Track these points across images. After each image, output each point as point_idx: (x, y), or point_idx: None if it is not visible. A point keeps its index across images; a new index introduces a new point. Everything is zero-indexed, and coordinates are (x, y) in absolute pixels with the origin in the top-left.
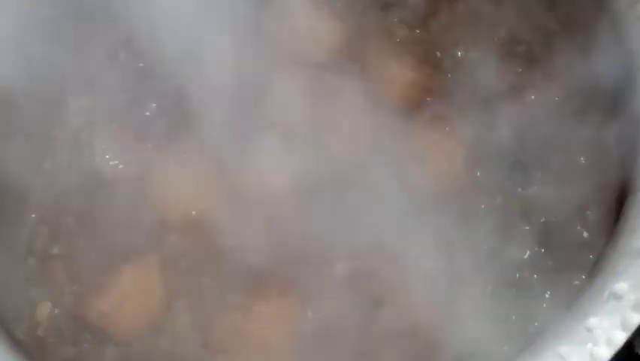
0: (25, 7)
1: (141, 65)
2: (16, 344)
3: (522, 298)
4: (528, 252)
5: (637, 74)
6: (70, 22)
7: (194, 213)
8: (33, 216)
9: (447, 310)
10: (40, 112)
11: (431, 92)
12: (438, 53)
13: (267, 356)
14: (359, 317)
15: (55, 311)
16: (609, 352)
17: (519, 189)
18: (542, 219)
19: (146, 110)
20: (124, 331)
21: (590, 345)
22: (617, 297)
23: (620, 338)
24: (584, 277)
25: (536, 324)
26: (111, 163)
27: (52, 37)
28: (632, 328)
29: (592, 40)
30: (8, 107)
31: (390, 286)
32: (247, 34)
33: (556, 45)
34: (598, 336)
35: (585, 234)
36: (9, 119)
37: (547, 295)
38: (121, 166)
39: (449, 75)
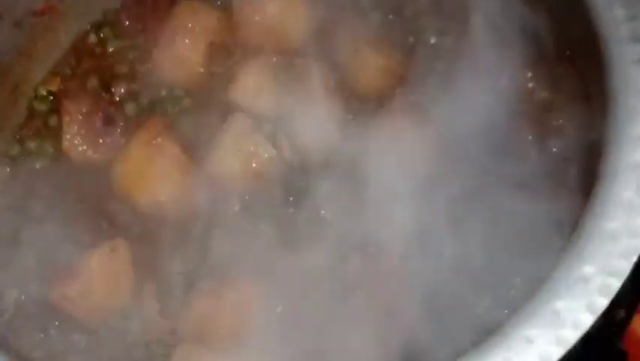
0: None
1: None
2: None
3: (489, 281)
4: (498, 235)
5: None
6: None
7: (162, 198)
8: (0, 200)
9: (419, 292)
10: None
11: (404, 80)
12: (411, 39)
13: (235, 343)
14: (328, 304)
15: (22, 298)
16: (575, 335)
17: (492, 176)
18: (515, 204)
19: (115, 94)
20: (92, 317)
21: (556, 328)
22: (584, 280)
23: (587, 321)
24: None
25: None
26: (80, 148)
27: None
28: (599, 311)
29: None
30: None
31: (364, 273)
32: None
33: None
34: (565, 319)
35: (555, 217)
36: None
37: (515, 279)
38: (90, 151)
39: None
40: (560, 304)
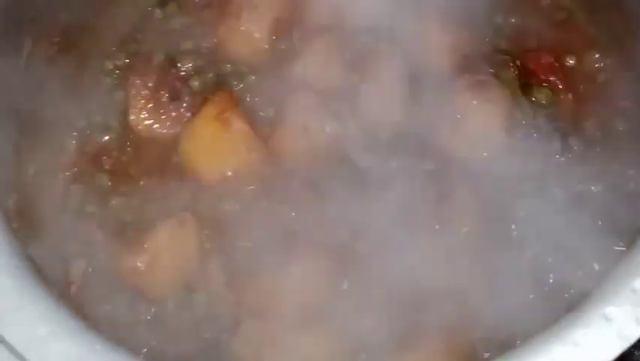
0: None
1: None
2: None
3: (565, 263)
4: (565, 217)
5: None
6: None
7: (229, 173)
8: (67, 173)
9: (485, 277)
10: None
11: (469, 58)
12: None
13: (301, 318)
14: (395, 282)
15: (89, 269)
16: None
17: (557, 156)
18: (580, 187)
19: (181, 69)
20: (159, 290)
21: (636, 307)
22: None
23: None
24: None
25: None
26: (146, 122)
27: None
28: None
29: None
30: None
31: (424, 250)
32: None
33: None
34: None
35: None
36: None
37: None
38: (156, 125)
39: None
40: (638, 283)
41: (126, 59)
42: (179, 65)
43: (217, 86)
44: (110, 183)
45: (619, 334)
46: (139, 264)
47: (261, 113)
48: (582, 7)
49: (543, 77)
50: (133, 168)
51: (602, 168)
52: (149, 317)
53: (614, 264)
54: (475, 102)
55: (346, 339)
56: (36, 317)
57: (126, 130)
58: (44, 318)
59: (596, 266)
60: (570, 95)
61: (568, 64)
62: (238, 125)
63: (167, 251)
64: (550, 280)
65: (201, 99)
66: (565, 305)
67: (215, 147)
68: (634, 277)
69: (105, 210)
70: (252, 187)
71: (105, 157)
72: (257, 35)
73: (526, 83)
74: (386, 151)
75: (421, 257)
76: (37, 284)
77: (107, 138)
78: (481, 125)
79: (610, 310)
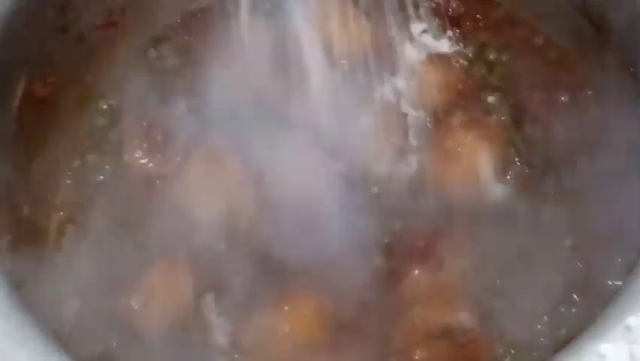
0: None
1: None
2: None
3: (556, 298)
4: (561, 253)
5: None
6: None
7: (222, 211)
8: (61, 213)
9: (480, 308)
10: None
11: (462, 95)
12: (470, 55)
13: (298, 356)
14: (389, 318)
15: (83, 309)
16: None
17: (551, 193)
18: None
19: (175, 109)
20: (152, 329)
21: (630, 343)
22: None
23: None
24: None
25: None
26: (141, 162)
27: None
28: None
29: None
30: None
31: (422, 288)
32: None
33: (589, 48)
34: (638, 335)
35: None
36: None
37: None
38: (150, 165)
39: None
40: (633, 320)
41: (120, 98)
42: (172, 103)
43: (211, 124)
44: (103, 224)
45: None
46: (133, 303)
47: (256, 151)
48: (575, 46)
49: (536, 113)
50: (127, 208)
51: (596, 207)
52: (143, 357)
53: (607, 301)
54: (468, 140)
55: None
56: (28, 359)
57: (120, 169)
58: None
59: (590, 303)
60: (563, 132)
61: (560, 100)
62: (231, 163)
63: (161, 290)
64: (545, 318)
65: (195, 138)
66: (557, 343)
67: (209, 185)
68: (628, 314)
69: (99, 250)
70: (245, 225)
71: (99, 197)
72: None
73: (519, 119)
74: (383, 190)
75: (414, 294)
76: (29, 326)
77: (101, 177)
78: (475, 163)
79: (604, 347)
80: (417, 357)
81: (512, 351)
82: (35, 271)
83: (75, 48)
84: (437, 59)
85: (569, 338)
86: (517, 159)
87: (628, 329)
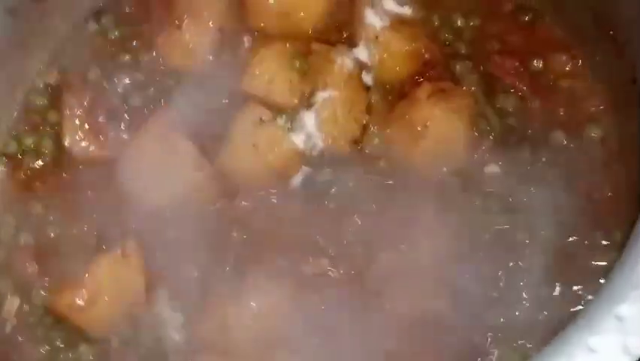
0: None
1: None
2: None
3: (536, 280)
4: (541, 231)
5: None
6: None
7: (174, 197)
8: None
9: (460, 299)
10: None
11: (429, 65)
12: (436, 23)
13: (258, 352)
14: (355, 310)
15: (25, 307)
16: None
17: (527, 167)
18: (551, 200)
19: (118, 85)
20: (101, 327)
21: (622, 335)
22: None
23: None
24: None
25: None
26: (82, 145)
27: None
28: None
29: None
30: None
31: (391, 274)
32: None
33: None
34: (630, 326)
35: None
36: None
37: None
38: (93, 147)
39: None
40: (624, 309)
41: (59, 76)
42: (116, 80)
43: (158, 102)
44: (44, 212)
45: None
46: (78, 300)
47: (207, 130)
48: (548, 8)
49: (508, 82)
50: (70, 195)
51: (573, 177)
52: (91, 357)
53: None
54: (437, 112)
55: None
56: None
57: (61, 154)
58: None
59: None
60: (537, 102)
61: (534, 68)
62: (182, 144)
63: (109, 284)
64: (526, 304)
65: (141, 117)
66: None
67: (159, 169)
68: (618, 303)
69: (40, 241)
70: (199, 210)
71: (39, 183)
72: (199, 46)
73: (490, 89)
74: (344, 166)
75: (389, 279)
76: None
77: (40, 162)
78: (445, 135)
79: (594, 340)
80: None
81: (491, 338)
82: None
83: (5, 23)
84: (401, 25)
85: (552, 326)
86: (489, 133)
87: (619, 319)
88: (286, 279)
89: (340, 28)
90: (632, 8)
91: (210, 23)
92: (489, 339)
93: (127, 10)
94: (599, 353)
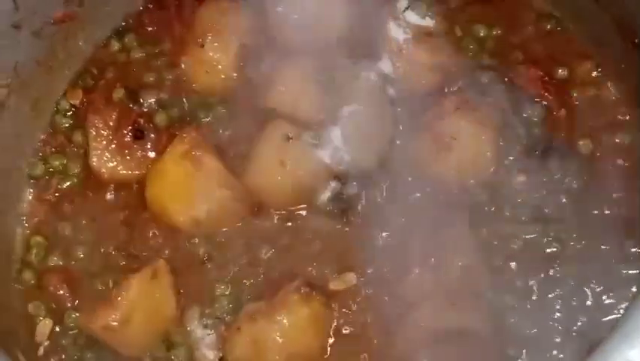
0: None
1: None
2: None
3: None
4: (571, 242)
5: None
6: None
7: (202, 215)
8: (27, 225)
9: (493, 312)
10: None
11: (453, 76)
12: (458, 34)
13: None
14: (387, 323)
15: (57, 329)
16: None
17: (555, 177)
18: (586, 207)
19: (143, 104)
20: (133, 347)
21: None
22: None
23: None
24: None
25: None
26: (109, 165)
27: None
28: None
29: None
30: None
31: (421, 287)
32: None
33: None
34: None
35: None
36: None
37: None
38: (120, 167)
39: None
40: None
41: (83, 96)
42: (141, 100)
43: (183, 120)
44: (73, 233)
45: None
46: (111, 321)
47: (233, 148)
48: (570, 16)
49: (533, 92)
50: (98, 215)
51: (601, 185)
52: None
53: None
54: (463, 124)
55: None
56: None
57: (88, 174)
58: None
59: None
60: (563, 111)
61: (559, 77)
62: (208, 162)
63: (141, 304)
64: (558, 315)
65: (167, 136)
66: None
67: (186, 187)
68: (629, 347)
69: (70, 263)
70: (227, 228)
71: (67, 204)
72: (223, 63)
73: (515, 100)
74: (371, 180)
75: (420, 293)
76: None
77: (67, 183)
78: (472, 147)
79: (634, 353)
80: None
81: (525, 350)
82: (2, 288)
83: (30, 45)
84: (424, 38)
85: (586, 336)
86: (516, 144)
87: None
88: (316, 294)
89: (364, 42)
90: None
91: (233, 40)
92: (523, 351)
93: (149, 29)
94: None
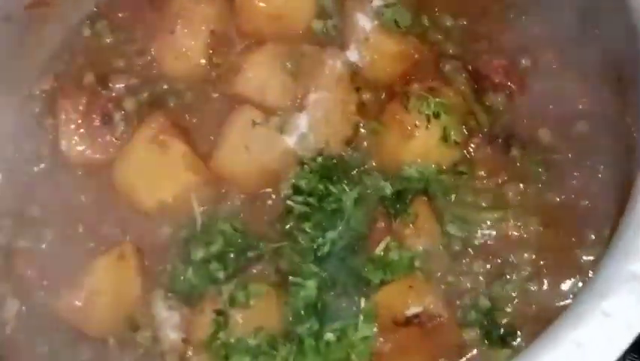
0: None
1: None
2: None
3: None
4: (530, 228)
5: None
6: None
7: (169, 199)
8: None
9: (450, 297)
10: None
11: (419, 65)
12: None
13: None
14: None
15: (24, 309)
16: (630, 336)
17: (517, 164)
18: (546, 195)
19: (113, 90)
20: (99, 328)
21: (608, 330)
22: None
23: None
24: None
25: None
26: (78, 148)
27: None
28: None
29: None
30: None
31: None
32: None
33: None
34: (617, 320)
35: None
36: None
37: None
38: (89, 151)
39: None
40: (611, 304)
41: (54, 82)
42: (110, 85)
43: (152, 106)
44: (42, 215)
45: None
46: (76, 302)
47: (201, 133)
48: (533, 5)
49: (497, 80)
50: (67, 198)
51: (561, 174)
52: (90, 357)
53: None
54: (427, 111)
55: None
56: None
57: (58, 158)
58: None
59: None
60: (526, 99)
61: (522, 66)
62: (175, 146)
63: (106, 286)
64: (515, 300)
65: (136, 121)
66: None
67: (153, 171)
68: (605, 298)
69: (38, 244)
70: (194, 212)
71: (36, 187)
72: (192, 50)
73: (479, 88)
74: (335, 168)
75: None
76: None
77: (37, 167)
78: (435, 135)
79: (581, 334)
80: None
81: (480, 334)
82: None
83: (0, 29)
84: (391, 27)
85: (540, 320)
86: (478, 131)
87: (606, 314)
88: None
89: (331, 31)
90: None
91: (202, 27)
92: (478, 334)
93: (120, 15)
94: (586, 346)
